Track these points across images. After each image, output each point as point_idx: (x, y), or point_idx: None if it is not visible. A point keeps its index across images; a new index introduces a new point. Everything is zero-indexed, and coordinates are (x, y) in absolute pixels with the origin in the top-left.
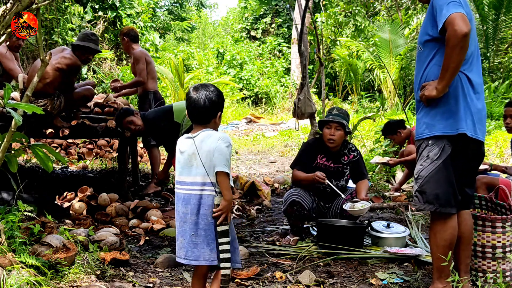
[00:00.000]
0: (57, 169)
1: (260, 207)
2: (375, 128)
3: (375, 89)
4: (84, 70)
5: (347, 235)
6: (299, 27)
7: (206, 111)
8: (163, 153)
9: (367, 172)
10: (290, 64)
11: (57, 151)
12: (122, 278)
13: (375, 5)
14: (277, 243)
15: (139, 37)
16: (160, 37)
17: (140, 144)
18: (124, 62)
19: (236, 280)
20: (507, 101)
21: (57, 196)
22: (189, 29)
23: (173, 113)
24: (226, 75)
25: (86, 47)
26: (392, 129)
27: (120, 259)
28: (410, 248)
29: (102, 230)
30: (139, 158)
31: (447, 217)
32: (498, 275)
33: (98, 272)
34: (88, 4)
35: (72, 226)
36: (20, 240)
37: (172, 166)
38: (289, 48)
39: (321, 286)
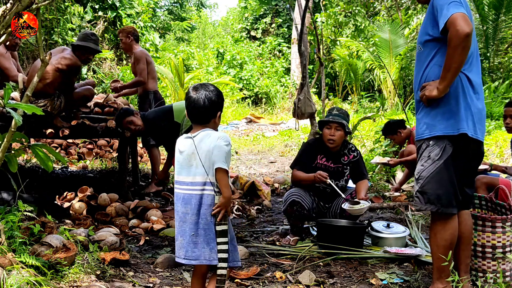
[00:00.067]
0: (57, 169)
1: (260, 207)
2: (375, 128)
3: (375, 89)
4: (84, 70)
5: (347, 235)
6: (299, 27)
7: (205, 111)
8: (163, 153)
9: (367, 172)
10: (290, 64)
11: (57, 151)
12: (122, 278)
13: (375, 5)
14: (277, 243)
15: (139, 37)
16: (160, 37)
17: (140, 144)
18: (124, 62)
19: (236, 280)
20: (507, 101)
21: (57, 196)
22: (189, 29)
23: (173, 113)
24: (226, 75)
25: (86, 47)
26: (393, 129)
27: (120, 259)
28: (410, 248)
29: (102, 230)
30: (139, 158)
31: (448, 217)
32: (498, 275)
33: (98, 272)
34: (88, 4)
35: (72, 226)
36: (20, 240)
37: (172, 166)
38: (289, 48)
39: (321, 286)
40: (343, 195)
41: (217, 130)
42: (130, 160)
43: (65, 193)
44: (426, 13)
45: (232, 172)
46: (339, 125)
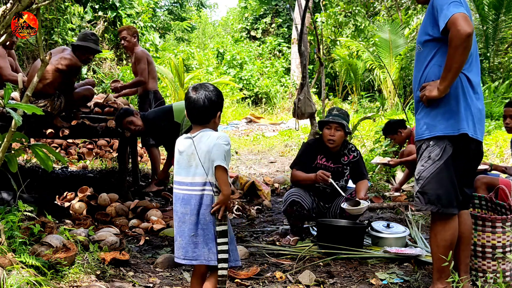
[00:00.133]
0: (57, 169)
1: (260, 207)
2: (375, 128)
3: (375, 89)
4: (84, 70)
5: (347, 235)
6: (299, 27)
7: (205, 111)
8: (163, 153)
9: (367, 172)
10: (290, 64)
11: (57, 151)
12: (122, 278)
13: (375, 5)
14: (277, 243)
15: (139, 37)
16: (160, 37)
17: (140, 144)
18: (124, 62)
19: (236, 280)
20: (507, 101)
21: (57, 196)
22: (189, 29)
23: (173, 113)
24: (226, 75)
25: (86, 47)
26: (393, 129)
27: (120, 259)
28: (410, 248)
29: (102, 230)
30: (139, 158)
31: (448, 217)
32: (498, 275)
33: (98, 272)
34: (88, 4)
35: (72, 226)
36: (20, 240)
37: (172, 166)
38: (289, 48)
39: (321, 286)
40: (344, 194)
41: (217, 130)
42: (130, 160)
43: (65, 193)
44: (426, 13)
45: (232, 172)
46: (339, 125)
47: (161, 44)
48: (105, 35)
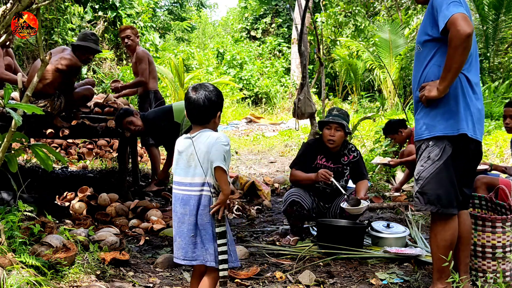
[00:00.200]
0: (57, 169)
1: (260, 207)
2: (375, 128)
3: (375, 89)
4: (84, 70)
5: (347, 235)
6: (299, 27)
7: (205, 111)
8: (163, 153)
9: (367, 172)
10: (290, 64)
11: (57, 151)
12: (122, 278)
13: (375, 5)
14: (277, 243)
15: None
16: (160, 37)
17: (140, 144)
18: (124, 62)
19: (236, 280)
20: (507, 101)
21: (57, 196)
22: (189, 29)
23: (173, 113)
24: (226, 75)
25: (87, 47)
26: (393, 129)
27: (120, 259)
28: (410, 248)
29: (102, 230)
30: (139, 158)
31: (448, 217)
32: (498, 275)
33: (98, 272)
34: (88, 4)
35: (72, 226)
36: (20, 240)
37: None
38: (289, 48)
39: (321, 286)
40: (345, 193)
41: (217, 131)
42: (130, 160)
43: (65, 193)
44: (425, 13)
45: (232, 172)
46: (339, 126)
47: (161, 44)
48: (105, 35)
